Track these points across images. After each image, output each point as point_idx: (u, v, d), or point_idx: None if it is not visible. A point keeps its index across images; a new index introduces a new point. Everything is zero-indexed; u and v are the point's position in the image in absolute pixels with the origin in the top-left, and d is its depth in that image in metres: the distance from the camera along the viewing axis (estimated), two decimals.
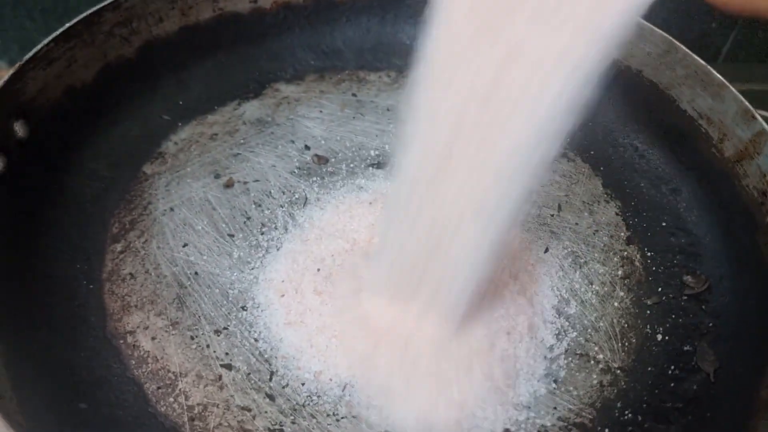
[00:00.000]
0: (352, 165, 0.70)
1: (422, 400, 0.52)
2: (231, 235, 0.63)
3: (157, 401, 0.52)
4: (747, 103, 0.63)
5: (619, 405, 0.55)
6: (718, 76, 0.65)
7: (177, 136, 0.71)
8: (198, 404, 0.52)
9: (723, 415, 0.54)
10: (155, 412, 0.51)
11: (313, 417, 0.52)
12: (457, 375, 0.53)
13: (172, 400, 0.52)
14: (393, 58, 0.80)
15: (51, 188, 0.62)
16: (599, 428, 0.53)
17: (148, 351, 0.55)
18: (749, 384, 0.54)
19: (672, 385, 0.56)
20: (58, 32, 0.62)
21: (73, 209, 0.62)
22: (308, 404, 0.52)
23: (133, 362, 0.54)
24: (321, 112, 0.75)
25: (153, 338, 0.56)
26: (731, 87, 0.64)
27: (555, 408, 0.54)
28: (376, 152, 0.71)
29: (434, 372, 0.53)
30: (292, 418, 0.51)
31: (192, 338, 0.56)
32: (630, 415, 0.54)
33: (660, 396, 0.55)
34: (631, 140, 0.73)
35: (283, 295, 0.58)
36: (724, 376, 0.56)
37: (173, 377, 0.53)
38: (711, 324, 0.59)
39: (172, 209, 0.65)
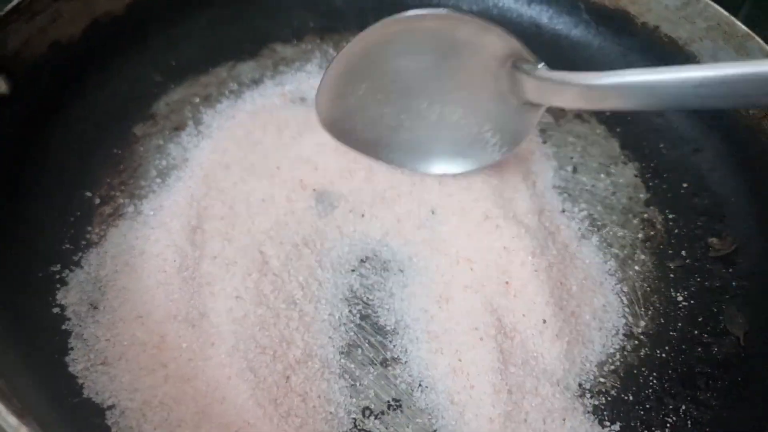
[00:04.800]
0: None
1: None
2: None
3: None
4: None
5: (644, 371, 0.51)
6: (743, 26, 0.61)
7: (169, 97, 0.67)
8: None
9: (755, 380, 0.50)
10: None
11: None
12: None
13: None
14: None
15: (35, 147, 0.58)
16: (623, 396, 0.50)
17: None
18: None
19: (699, 349, 0.52)
20: None
21: (59, 169, 0.58)
22: None
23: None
24: (321, 73, 0.70)
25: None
26: (757, 38, 0.60)
27: (576, 375, 0.51)
28: None
29: None
30: None
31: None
32: (655, 381, 0.51)
33: (687, 361, 0.52)
34: None
35: None
36: (755, 340, 0.52)
37: None
38: (738, 286, 0.56)
39: (165, 171, 0.61)
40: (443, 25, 0.50)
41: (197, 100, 0.67)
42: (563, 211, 0.60)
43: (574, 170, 0.64)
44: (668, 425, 0.49)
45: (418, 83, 0.53)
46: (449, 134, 0.56)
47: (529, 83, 0.50)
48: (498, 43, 0.49)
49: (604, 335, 0.53)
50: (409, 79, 0.53)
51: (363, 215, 0.58)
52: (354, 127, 0.57)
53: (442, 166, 0.57)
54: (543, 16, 0.75)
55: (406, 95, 0.54)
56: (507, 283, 0.53)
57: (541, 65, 0.50)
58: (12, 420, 0.35)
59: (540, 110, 0.53)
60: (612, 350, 0.52)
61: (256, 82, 0.69)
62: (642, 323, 0.54)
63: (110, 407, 0.46)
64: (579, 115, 0.68)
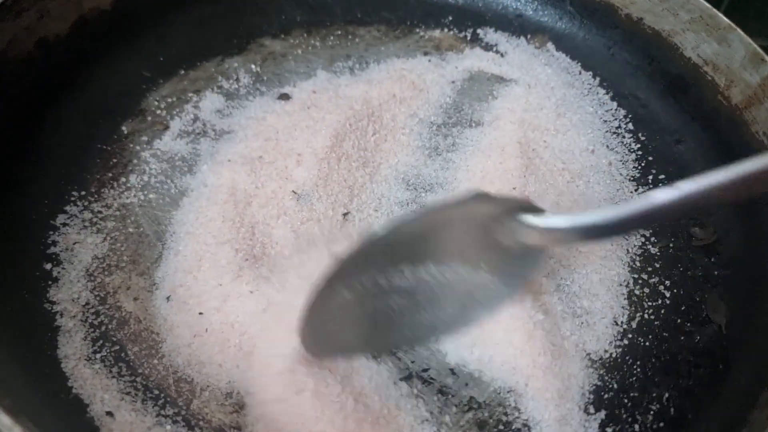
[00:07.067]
0: None
1: None
2: None
3: (140, 364, 0.49)
4: (756, 46, 0.60)
5: (628, 360, 0.52)
6: (725, 18, 0.62)
7: (158, 93, 0.67)
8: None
9: (736, 367, 0.51)
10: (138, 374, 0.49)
11: None
12: None
13: (156, 362, 0.49)
14: (383, 12, 0.76)
15: (24, 145, 0.59)
16: (608, 384, 0.51)
17: (130, 312, 0.52)
18: (762, 335, 0.52)
19: (682, 338, 0.53)
20: None
21: (48, 167, 0.59)
22: None
23: (114, 324, 0.51)
24: (308, 67, 0.71)
25: (135, 299, 0.52)
26: (739, 30, 0.61)
27: (560, 367, 0.51)
28: None
29: None
30: None
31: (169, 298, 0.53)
32: (639, 369, 0.52)
33: (670, 349, 0.53)
34: (633, 90, 0.70)
35: None
36: (736, 328, 0.54)
37: (157, 338, 0.50)
38: (720, 275, 0.57)
39: (154, 168, 0.61)
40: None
41: (186, 95, 0.67)
42: None
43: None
44: (652, 412, 0.50)
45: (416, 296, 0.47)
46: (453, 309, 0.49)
47: (523, 233, 0.44)
48: (492, 209, 0.44)
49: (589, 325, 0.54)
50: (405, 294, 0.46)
51: (345, 213, 0.59)
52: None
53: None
54: (528, 7, 0.76)
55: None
56: None
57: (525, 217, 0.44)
58: (6, 420, 0.36)
59: (544, 248, 0.49)
60: (596, 339, 0.53)
61: (245, 76, 0.69)
62: (626, 312, 0.55)
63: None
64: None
